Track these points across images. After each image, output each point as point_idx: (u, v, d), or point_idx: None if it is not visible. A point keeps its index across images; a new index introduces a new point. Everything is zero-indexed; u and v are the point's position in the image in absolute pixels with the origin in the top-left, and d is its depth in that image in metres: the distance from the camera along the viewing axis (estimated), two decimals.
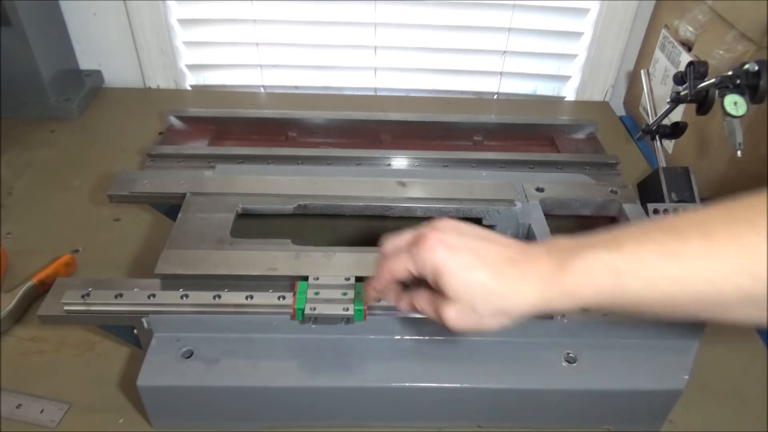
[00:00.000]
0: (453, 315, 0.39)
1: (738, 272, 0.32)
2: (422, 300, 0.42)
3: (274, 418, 0.55)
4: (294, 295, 0.52)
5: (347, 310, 0.51)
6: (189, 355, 0.52)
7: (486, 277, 0.38)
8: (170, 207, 0.71)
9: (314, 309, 0.51)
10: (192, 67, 1.12)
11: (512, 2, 1.04)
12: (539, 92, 1.17)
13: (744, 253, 0.32)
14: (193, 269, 0.56)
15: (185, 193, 0.67)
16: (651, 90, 0.86)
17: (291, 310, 0.52)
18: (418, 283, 0.43)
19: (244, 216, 0.66)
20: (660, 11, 1.02)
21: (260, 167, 0.76)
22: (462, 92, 1.16)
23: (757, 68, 0.65)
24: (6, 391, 0.56)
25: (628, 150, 0.98)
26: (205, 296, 0.53)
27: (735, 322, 0.35)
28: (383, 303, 0.53)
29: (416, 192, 0.69)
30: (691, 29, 0.88)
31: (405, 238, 0.43)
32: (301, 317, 0.52)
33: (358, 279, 0.55)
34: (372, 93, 1.15)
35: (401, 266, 0.41)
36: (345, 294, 0.53)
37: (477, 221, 0.69)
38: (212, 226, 0.62)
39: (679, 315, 0.36)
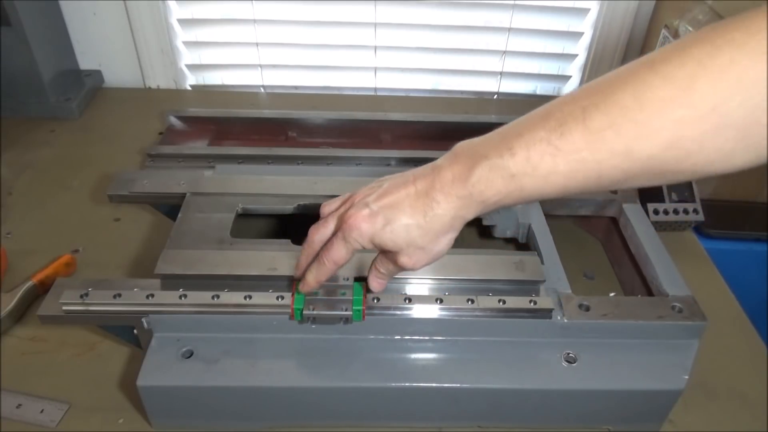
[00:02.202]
0: (406, 260, 0.44)
1: (617, 156, 0.36)
2: (383, 263, 0.47)
3: (274, 418, 0.55)
4: (293, 295, 0.52)
5: (346, 310, 0.51)
6: (189, 355, 0.52)
7: (409, 218, 0.42)
8: (170, 207, 0.71)
9: (313, 309, 0.51)
10: (192, 67, 1.12)
11: (512, 2, 1.04)
12: (539, 92, 1.17)
13: (619, 138, 0.35)
14: (192, 269, 0.56)
15: (185, 193, 0.67)
16: None
17: (290, 311, 0.52)
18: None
19: (244, 216, 0.66)
20: (660, 11, 1.02)
21: (260, 167, 0.76)
22: (462, 92, 1.16)
23: None
24: (6, 391, 0.56)
25: None
26: (204, 296, 0.53)
27: (625, 190, 0.40)
28: (383, 303, 0.53)
29: None
30: (691, 29, 0.88)
31: (329, 224, 0.48)
32: (300, 317, 0.52)
33: (357, 279, 0.55)
34: (372, 93, 1.15)
35: (343, 253, 0.46)
36: (344, 294, 0.53)
37: (477, 221, 0.69)
38: (212, 226, 0.62)
39: (573, 194, 0.40)
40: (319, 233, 0.48)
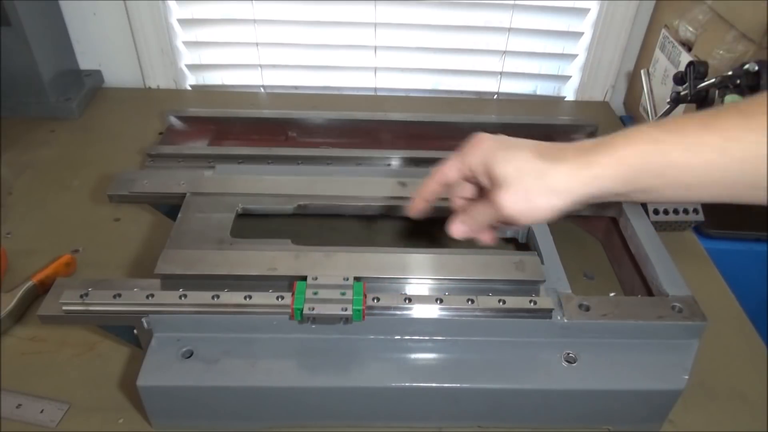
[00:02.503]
0: (508, 198, 0.41)
1: None
2: (477, 206, 0.46)
3: (274, 418, 0.55)
4: (293, 295, 0.52)
5: (345, 310, 0.51)
6: (189, 355, 0.52)
7: (532, 156, 0.40)
8: (170, 207, 0.71)
9: (313, 309, 0.51)
10: (192, 67, 1.12)
11: (512, 2, 1.04)
12: (539, 92, 1.17)
13: None
14: (192, 269, 0.56)
15: (185, 193, 0.67)
16: (651, 90, 0.86)
17: (290, 311, 0.52)
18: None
19: (244, 216, 0.66)
20: (660, 11, 1.02)
21: (260, 167, 0.76)
22: (462, 92, 1.16)
23: (757, 68, 0.65)
24: (6, 391, 0.56)
25: None
26: (204, 296, 0.53)
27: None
28: (382, 303, 0.53)
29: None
30: (691, 29, 0.88)
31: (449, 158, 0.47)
32: (300, 317, 0.52)
33: (357, 279, 0.55)
34: (372, 93, 1.16)
35: (452, 166, 0.45)
36: (344, 294, 0.53)
37: None
38: (212, 226, 0.62)
39: (714, 192, 0.37)
40: (440, 165, 0.47)
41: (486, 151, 0.43)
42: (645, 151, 0.37)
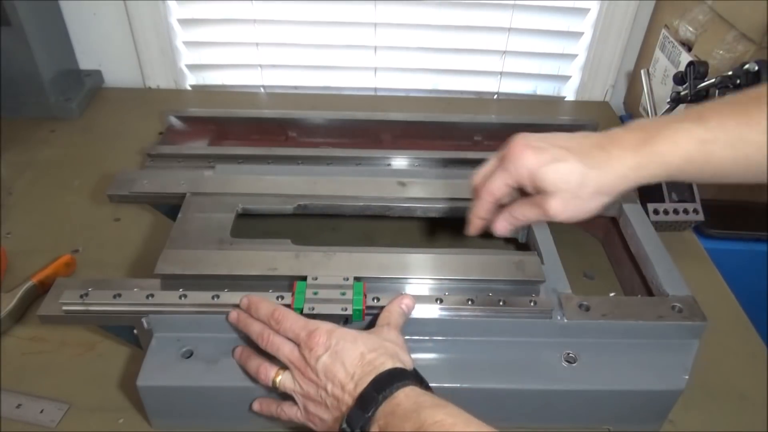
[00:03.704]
0: (557, 205, 0.43)
1: None
2: (522, 207, 0.45)
3: (274, 418, 0.55)
4: (293, 295, 0.52)
5: (345, 309, 0.51)
6: (189, 355, 0.52)
7: (577, 162, 0.41)
8: (170, 207, 0.71)
9: (313, 309, 0.51)
10: (192, 67, 1.12)
11: (512, 2, 1.04)
12: (539, 92, 1.17)
13: None
14: (192, 269, 0.56)
15: (185, 193, 0.67)
16: (651, 90, 0.86)
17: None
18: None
19: (244, 216, 0.66)
20: (660, 11, 1.02)
21: (260, 167, 0.76)
22: (462, 92, 1.16)
23: (757, 68, 0.65)
24: (6, 391, 0.56)
25: None
26: (204, 296, 0.53)
27: None
28: (382, 303, 0.53)
29: (416, 192, 0.69)
30: (691, 29, 0.88)
31: (490, 163, 0.47)
32: None
33: (357, 279, 0.55)
34: (372, 93, 1.15)
35: (500, 183, 0.44)
36: (343, 294, 0.53)
37: None
38: (212, 226, 0.62)
39: (755, 178, 0.39)
40: (478, 174, 0.47)
41: (531, 164, 0.42)
42: (689, 151, 0.38)
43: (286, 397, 0.49)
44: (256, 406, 0.51)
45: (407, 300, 0.52)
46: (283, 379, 0.47)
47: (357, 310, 0.52)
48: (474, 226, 0.50)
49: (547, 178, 0.42)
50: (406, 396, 0.42)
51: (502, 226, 0.49)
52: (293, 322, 0.48)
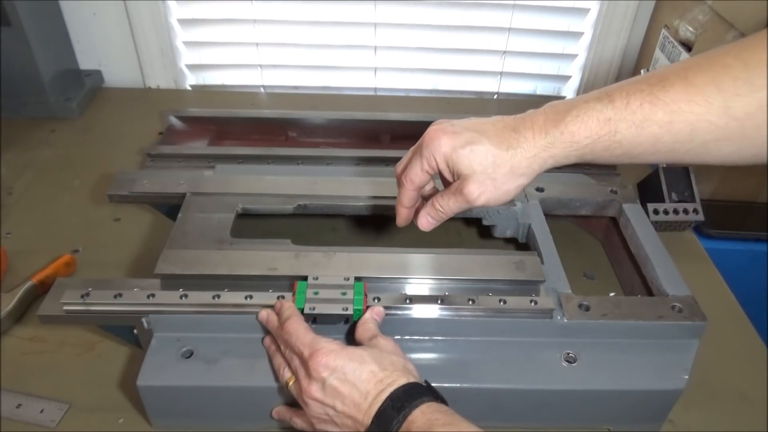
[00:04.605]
0: (474, 189, 0.43)
1: (713, 111, 0.37)
2: (441, 198, 0.47)
3: (272, 425, 0.55)
4: (293, 294, 0.52)
5: (346, 309, 0.51)
6: (189, 355, 0.52)
7: (490, 144, 0.42)
8: (170, 207, 0.71)
9: (313, 309, 0.51)
10: (192, 67, 1.12)
11: (512, 2, 1.04)
12: (539, 92, 1.17)
13: (719, 94, 0.36)
14: (193, 269, 0.56)
15: (185, 193, 0.67)
16: None
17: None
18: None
19: (244, 216, 0.66)
20: (660, 11, 1.02)
21: (260, 167, 0.76)
22: (462, 92, 1.16)
23: None
24: (6, 391, 0.56)
25: None
26: (205, 296, 0.53)
27: (712, 161, 0.40)
28: (383, 303, 0.53)
29: None
30: (691, 29, 0.88)
31: (410, 152, 0.48)
32: None
33: (357, 279, 0.55)
34: (372, 93, 1.15)
35: (417, 170, 0.45)
36: (344, 294, 0.53)
37: (477, 221, 0.69)
38: (212, 226, 0.62)
39: (663, 157, 0.40)
40: (400, 165, 0.47)
41: (447, 149, 0.43)
42: (595, 130, 0.40)
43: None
44: (274, 414, 0.52)
45: (378, 308, 0.52)
46: (293, 387, 0.48)
47: (358, 309, 0.52)
48: (400, 216, 0.51)
49: (462, 161, 0.43)
50: (421, 413, 0.42)
51: (424, 220, 0.49)
52: (298, 337, 0.48)
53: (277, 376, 0.50)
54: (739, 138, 0.38)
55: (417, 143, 0.47)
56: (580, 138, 0.40)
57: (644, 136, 0.39)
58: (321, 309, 0.51)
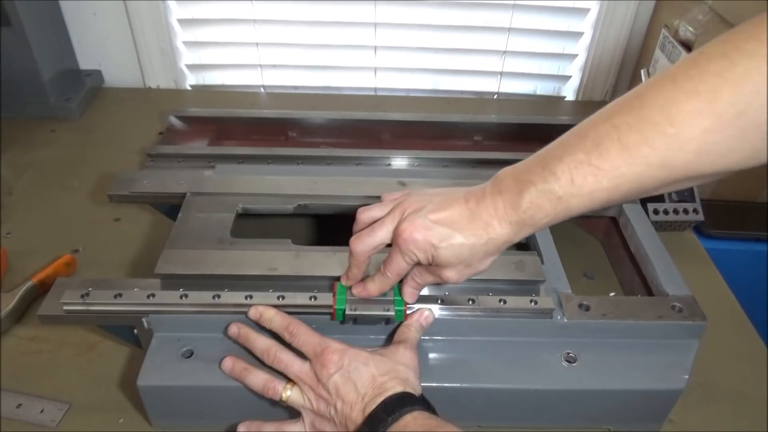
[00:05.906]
0: (452, 275, 0.47)
1: (653, 168, 0.38)
2: (422, 275, 0.50)
3: (274, 418, 0.55)
4: (334, 295, 0.52)
5: (388, 310, 0.51)
6: (189, 355, 0.52)
7: (463, 238, 0.45)
8: (170, 207, 0.71)
9: (355, 309, 0.51)
10: (192, 67, 1.12)
11: (512, 2, 1.04)
12: (539, 92, 1.17)
13: (653, 152, 0.38)
14: (193, 269, 0.56)
15: (185, 193, 0.67)
16: None
17: (332, 311, 0.52)
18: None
19: (244, 216, 0.66)
20: (660, 11, 1.02)
21: (260, 167, 0.76)
22: (462, 92, 1.16)
23: None
24: (6, 391, 0.56)
25: None
26: (205, 296, 0.53)
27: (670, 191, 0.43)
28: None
29: None
30: (691, 29, 0.88)
31: (379, 209, 0.50)
32: (342, 318, 0.52)
33: None
34: (372, 93, 1.16)
35: (401, 264, 0.48)
36: (384, 294, 0.52)
37: None
38: (212, 226, 0.62)
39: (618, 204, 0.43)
40: (362, 244, 0.49)
41: (425, 245, 0.46)
42: (551, 210, 0.42)
43: (291, 411, 0.50)
44: (241, 427, 0.51)
45: (427, 313, 0.53)
46: (293, 395, 0.49)
47: (399, 310, 0.51)
48: (370, 293, 0.52)
49: (441, 258, 0.46)
50: (413, 419, 0.44)
51: (410, 293, 0.52)
52: (308, 336, 0.49)
53: (260, 394, 0.49)
54: (686, 181, 0.40)
55: (389, 204, 0.49)
56: (539, 219, 0.43)
57: (597, 201, 0.41)
58: (362, 310, 0.51)
